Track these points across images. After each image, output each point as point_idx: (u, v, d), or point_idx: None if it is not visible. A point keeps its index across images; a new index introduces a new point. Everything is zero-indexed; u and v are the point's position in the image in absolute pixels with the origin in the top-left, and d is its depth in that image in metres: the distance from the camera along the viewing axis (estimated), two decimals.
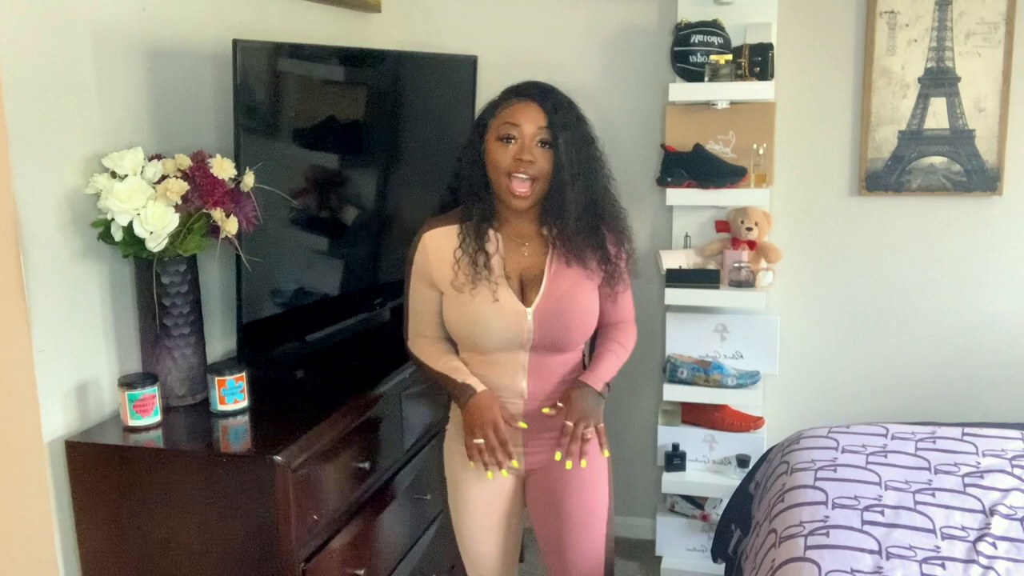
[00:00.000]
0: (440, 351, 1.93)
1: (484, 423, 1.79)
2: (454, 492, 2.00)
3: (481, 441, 1.79)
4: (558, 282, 1.85)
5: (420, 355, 1.94)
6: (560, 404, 1.85)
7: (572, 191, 1.80)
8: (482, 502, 1.97)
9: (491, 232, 1.87)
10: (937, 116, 2.83)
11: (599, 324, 1.96)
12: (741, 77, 2.70)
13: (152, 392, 1.79)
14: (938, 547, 1.90)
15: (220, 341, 2.21)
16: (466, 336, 1.87)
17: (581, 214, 1.82)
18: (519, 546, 2.08)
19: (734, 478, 2.82)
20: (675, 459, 2.95)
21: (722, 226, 2.90)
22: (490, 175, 1.83)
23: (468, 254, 1.84)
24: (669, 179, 2.80)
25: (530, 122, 1.79)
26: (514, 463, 1.84)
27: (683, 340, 2.95)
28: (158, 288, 1.83)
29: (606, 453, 1.90)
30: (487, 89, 3.07)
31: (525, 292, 1.86)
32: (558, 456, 1.80)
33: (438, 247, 1.87)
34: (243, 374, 1.87)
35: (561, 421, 1.82)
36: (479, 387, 1.84)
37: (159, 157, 1.86)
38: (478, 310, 1.83)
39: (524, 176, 1.78)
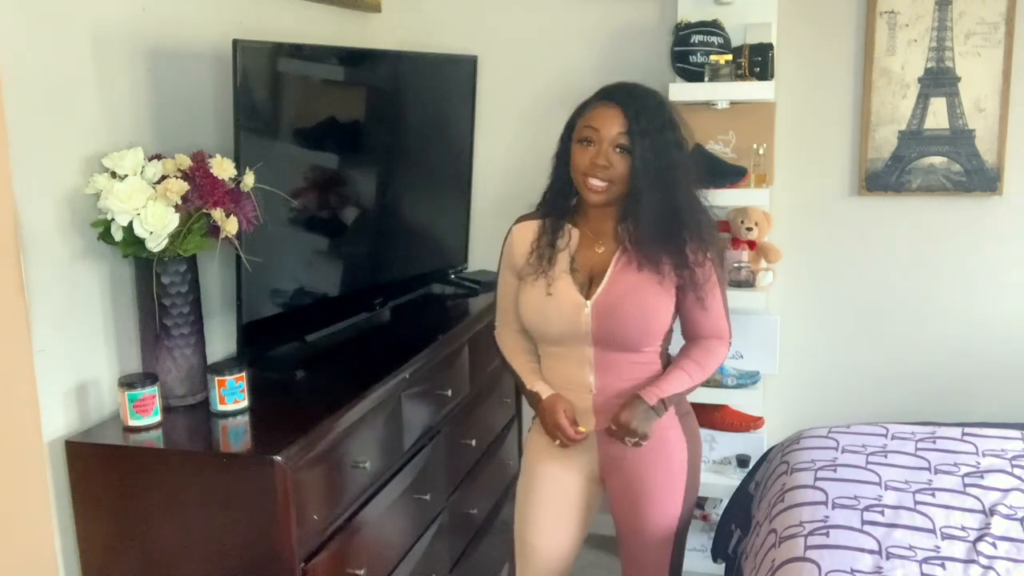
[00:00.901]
0: (520, 347, 2.05)
1: (551, 428, 1.93)
2: (525, 482, 2.08)
3: (558, 442, 1.95)
4: (622, 279, 1.88)
5: (502, 347, 2.08)
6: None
7: (648, 198, 1.82)
8: (548, 497, 2.04)
9: (568, 227, 1.94)
10: (937, 116, 2.83)
11: (687, 335, 2.00)
12: (741, 77, 2.70)
13: (152, 392, 1.79)
14: (938, 547, 1.90)
15: (220, 341, 2.21)
16: (530, 325, 1.97)
17: (657, 221, 1.84)
18: (576, 550, 2.10)
19: (734, 478, 2.81)
20: None
21: (722, 226, 2.90)
22: (571, 173, 1.89)
23: (539, 248, 1.93)
24: None
25: (609, 127, 1.82)
26: (582, 428, 1.94)
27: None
28: (158, 288, 1.83)
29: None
30: (487, 89, 3.09)
31: (591, 286, 1.90)
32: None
33: (522, 238, 1.98)
34: (243, 374, 1.87)
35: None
36: (545, 392, 1.97)
37: (159, 157, 1.86)
38: (535, 301, 1.91)
39: (597, 181, 1.83)
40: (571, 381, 1.95)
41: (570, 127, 1.91)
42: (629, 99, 1.84)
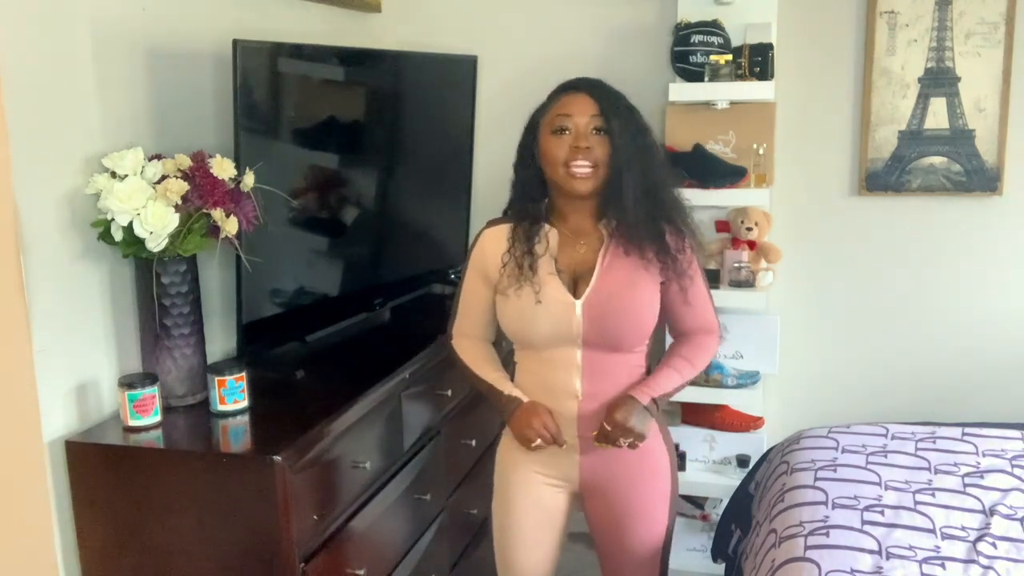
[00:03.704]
0: (484, 356, 1.98)
1: (532, 425, 1.85)
2: (502, 499, 2.02)
3: (539, 441, 1.86)
4: (610, 275, 1.84)
5: (464, 357, 1.99)
6: (602, 429, 1.86)
7: (630, 175, 1.80)
8: (528, 514, 1.99)
9: (546, 228, 1.88)
10: (937, 116, 2.83)
11: (675, 331, 1.97)
12: (741, 77, 2.70)
13: (152, 392, 1.79)
14: (938, 547, 1.90)
15: (220, 341, 2.21)
16: (517, 333, 1.90)
17: (640, 199, 1.81)
18: (556, 561, 2.08)
19: (734, 478, 2.81)
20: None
21: (722, 226, 2.90)
22: (547, 171, 1.84)
23: (515, 257, 1.87)
24: None
25: (583, 112, 1.80)
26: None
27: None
28: (158, 288, 1.83)
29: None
30: (487, 89, 3.09)
31: (577, 286, 1.86)
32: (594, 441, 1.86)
33: (494, 244, 1.91)
34: (243, 374, 1.87)
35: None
36: (525, 399, 1.89)
37: (159, 157, 1.86)
38: (524, 311, 1.85)
39: (583, 163, 1.79)
40: (555, 387, 1.88)
41: (534, 126, 1.87)
42: (593, 86, 1.83)
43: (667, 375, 1.90)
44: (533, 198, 1.89)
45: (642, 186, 1.81)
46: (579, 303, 1.83)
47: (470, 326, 1.99)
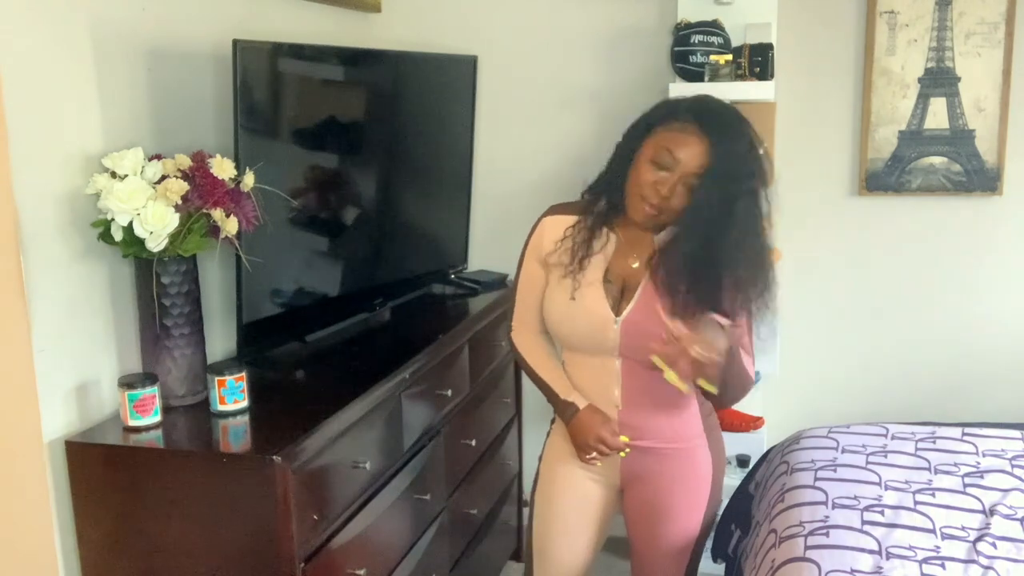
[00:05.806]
0: (545, 352, 1.96)
1: (590, 441, 1.83)
2: (545, 490, 2.02)
3: (595, 455, 1.85)
4: (653, 297, 1.78)
5: (523, 351, 1.97)
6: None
7: (688, 242, 1.70)
8: (571, 507, 1.98)
9: (606, 232, 1.84)
10: (937, 116, 2.83)
11: None
12: (741, 77, 2.69)
13: (152, 392, 1.79)
14: (938, 547, 1.90)
15: (220, 341, 2.21)
16: (554, 329, 1.90)
17: (687, 265, 1.71)
18: (593, 560, 2.06)
19: (734, 478, 2.81)
20: None
21: None
22: (630, 181, 1.76)
23: (574, 245, 1.83)
24: None
25: (689, 161, 1.67)
26: (624, 438, 1.85)
27: None
28: (158, 288, 1.83)
29: (712, 387, 1.66)
30: (487, 89, 3.10)
31: (623, 300, 1.82)
32: (655, 359, 1.66)
33: (554, 231, 1.87)
34: (243, 374, 1.87)
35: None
36: (582, 403, 1.86)
37: (159, 157, 1.86)
38: (558, 303, 1.84)
39: (651, 206, 1.72)
40: (596, 393, 1.87)
41: (647, 128, 1.75)
42: (722, 137, 1.67)
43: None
44: (612, 192, 1.81)
45: (695, 254, 1.70)
46: (618, 321, 1.80)
47: (530, 318, 1.96)
